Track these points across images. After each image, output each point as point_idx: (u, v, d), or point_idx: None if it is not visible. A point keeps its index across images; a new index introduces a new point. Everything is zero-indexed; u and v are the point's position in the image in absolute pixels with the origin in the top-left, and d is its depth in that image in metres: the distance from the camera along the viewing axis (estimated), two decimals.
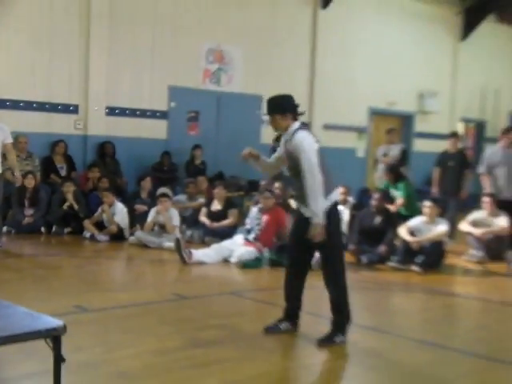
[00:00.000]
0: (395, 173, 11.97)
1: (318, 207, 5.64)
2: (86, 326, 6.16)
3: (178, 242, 9.66)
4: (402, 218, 10.97)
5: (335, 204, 5.92)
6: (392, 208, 11.17)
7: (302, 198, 5.86)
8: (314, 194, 5.64)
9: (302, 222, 5.90)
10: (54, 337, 3.63)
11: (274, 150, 14.02)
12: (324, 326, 5.97)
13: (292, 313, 6.19)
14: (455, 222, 11.68)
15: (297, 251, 6.12)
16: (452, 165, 12.10)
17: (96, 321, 6.45)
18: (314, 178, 5.65)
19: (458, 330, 7.01)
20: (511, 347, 6.32)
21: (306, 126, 6.02)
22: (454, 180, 12.03)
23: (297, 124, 5.90)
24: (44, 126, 12.95)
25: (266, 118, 6.16)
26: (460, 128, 20.00)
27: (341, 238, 6.24)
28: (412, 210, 11.26)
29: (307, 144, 5.75)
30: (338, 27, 17.01)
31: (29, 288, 7.78)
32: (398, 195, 11.60)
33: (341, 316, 5.94)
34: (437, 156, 12.73)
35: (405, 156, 13.59)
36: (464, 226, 10.98)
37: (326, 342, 5.85)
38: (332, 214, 5.84)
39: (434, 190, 12.27)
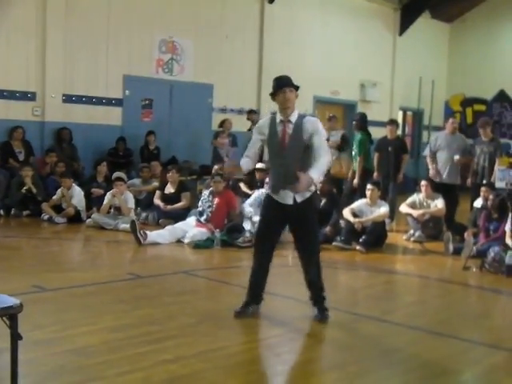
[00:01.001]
0: (362, 123, 12.69)
1: (320, 176, 5.57)
2: (44, 305, 6.04)
3: (133, 223, 9.54)
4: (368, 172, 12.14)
5: (315, 192, 5.92)
6: (355, 180, 12.21)
7: (290, 178, 5.56)
8: (323, 168, 5.57)
9: (278, 209, 5.78)
10: (11, 315, 3.55)
11: (216, 135, 14.12)
12: (275, 303, 5.93)
13: (259, 295, 5.99)
14: (395, 203, 11.76)
15: (271, 240, 5.93)
16: (391, 150, 12.13)
17: (54, 300, 6.32)
18: (328, 155, 5.71)
19: (399, 305, 7.04)
20: (446, 320, 6.36)
21: None
22: (392, 164, 12.07)
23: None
24: (2, 113, 12.64)
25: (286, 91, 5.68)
26: (399, 116, 20.18)
27: (317, 221, 6.16)
28: (370, 163, 12.32)
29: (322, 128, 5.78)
30: (284, 21, 16.98)
31: None
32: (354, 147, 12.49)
33: (323, 291, 5.91)
34: (376, 142, 12.77)
35: (345, 141, 13.56)
36: (403, 207, 11.04)
37: (324, 318, 5.82)
38: (314, 200, 5.87)
39: (375, 173, 12.31)
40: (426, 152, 11.77)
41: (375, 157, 12.43)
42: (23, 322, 3.68)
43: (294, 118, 5.72)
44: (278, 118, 5.77)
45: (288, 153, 5.69)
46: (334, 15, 18.23)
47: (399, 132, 14.36)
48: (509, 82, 20.31)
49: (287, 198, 5.73)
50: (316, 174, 5.46)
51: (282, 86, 5.68)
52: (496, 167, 10.94)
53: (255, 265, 5.98)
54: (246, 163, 5.89)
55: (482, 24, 20.87)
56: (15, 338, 3.58)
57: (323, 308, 5.90)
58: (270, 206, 5.90)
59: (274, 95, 5.75)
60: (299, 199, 5.70)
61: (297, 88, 5.72)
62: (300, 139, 5.66)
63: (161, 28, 14.74)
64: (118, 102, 14.27)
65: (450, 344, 5.51)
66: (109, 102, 14.11)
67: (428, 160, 11.65)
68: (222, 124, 14.78)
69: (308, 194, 5.74)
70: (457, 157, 11.15)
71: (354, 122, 13.13)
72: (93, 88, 13.80)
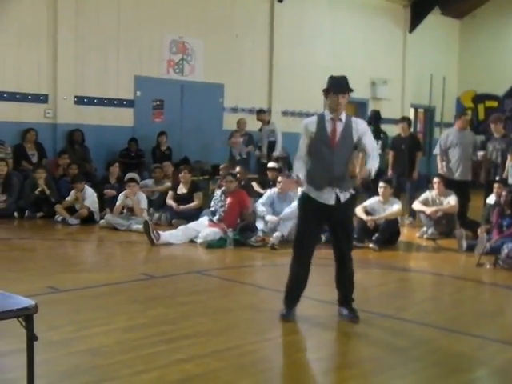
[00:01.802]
0: (372, 119, 13.21)
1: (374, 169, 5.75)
2: (58, 306, 6.07)
3: (146, 224, 9.56)
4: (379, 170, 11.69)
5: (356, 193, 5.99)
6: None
7: (336, 176, 5.63)
8: (375, 167, 5.75)
9: (318, 208, 5.71)
10: (26, 316, 3.56)
11: (231, 135, 14.15)
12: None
13: (297, 298, 5.94)
14: (413, 202, 11.73)
15: (312, 240, 5.87)
16: (404, 148, 12.12)
17: (68, 300, 6.34)
18: (378, 160, 5.81)
19: (412, 302, 7.04)
20: (460, 317, 6.35)
21: None
22: (407, 162, 12.05)
23: None
24: (14, 115, 12.73)
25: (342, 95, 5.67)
26: (410, 113, 20.12)
27: None
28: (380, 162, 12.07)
29: None
30: (294, 19, 16.99)
31: (3, 270, 7.61)
32: None
33: (353, 289, 5.97)
34: (390, 140, 12.75)
35: None
36: (416, 204, 11.01)
37: (356, 318, 5.86)
38: (355, 200, 5.93)
39: (390, 171, 12.28)
40: (437, 150, 11.72)
41: (390, 155, 12.39)
42: (38, 322, 3.68)
43: (343, 117, 5.73)
44: (328, 115, 5.74)
45: (337, 151, 5.66)
46: (343, 13, 18.22)
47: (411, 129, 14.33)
48: None
49: (330, 197, 5.66)
50: (372, 165, 5.69)
51: (339, 91, 5.65)
52: (508, 163, 10.89)
53: (296, 267, 5.87)
54: (300, 170, 5.78)
55: (492, 20, 20.80)
56: (31, 338, 3.58)
57: (354, 308, 5.92)
58: (308, 206, 5.79)
59: (327, 93, 5.73)
60: (343, 199, 5.66)
61: (351, 91, 5.72)
62: (350, 138, 5.70)
63: (171, 28, 14.79)
64: (130, 103, 14.33)
65: (464, 341, 5.50)
66: (120, 103, 14.17)
67: (438, 158, 11.61)
68: (240, 122, 14.81)
69: (349, 195, 5.73)
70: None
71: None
72: (104, 89, 13.89)
